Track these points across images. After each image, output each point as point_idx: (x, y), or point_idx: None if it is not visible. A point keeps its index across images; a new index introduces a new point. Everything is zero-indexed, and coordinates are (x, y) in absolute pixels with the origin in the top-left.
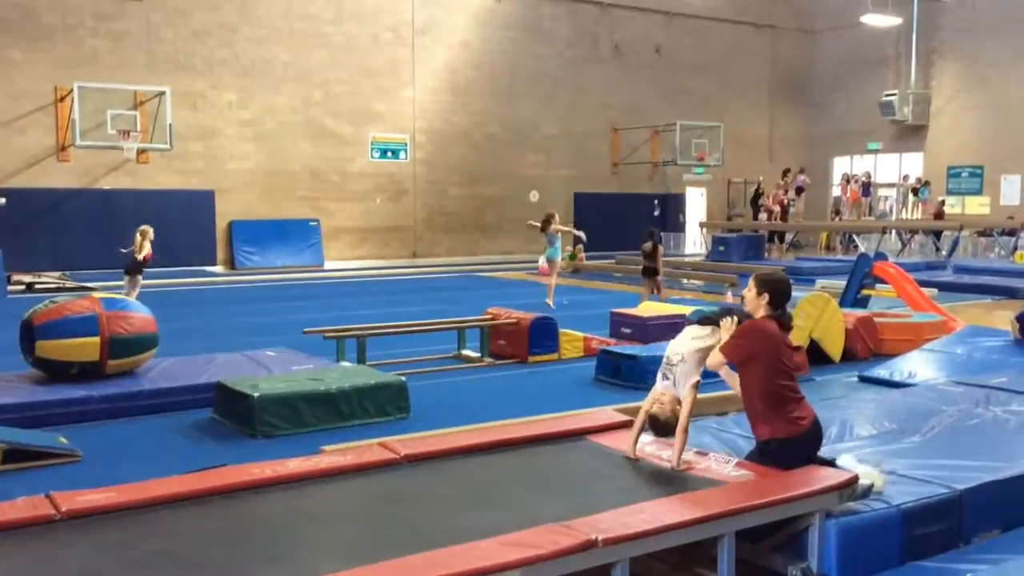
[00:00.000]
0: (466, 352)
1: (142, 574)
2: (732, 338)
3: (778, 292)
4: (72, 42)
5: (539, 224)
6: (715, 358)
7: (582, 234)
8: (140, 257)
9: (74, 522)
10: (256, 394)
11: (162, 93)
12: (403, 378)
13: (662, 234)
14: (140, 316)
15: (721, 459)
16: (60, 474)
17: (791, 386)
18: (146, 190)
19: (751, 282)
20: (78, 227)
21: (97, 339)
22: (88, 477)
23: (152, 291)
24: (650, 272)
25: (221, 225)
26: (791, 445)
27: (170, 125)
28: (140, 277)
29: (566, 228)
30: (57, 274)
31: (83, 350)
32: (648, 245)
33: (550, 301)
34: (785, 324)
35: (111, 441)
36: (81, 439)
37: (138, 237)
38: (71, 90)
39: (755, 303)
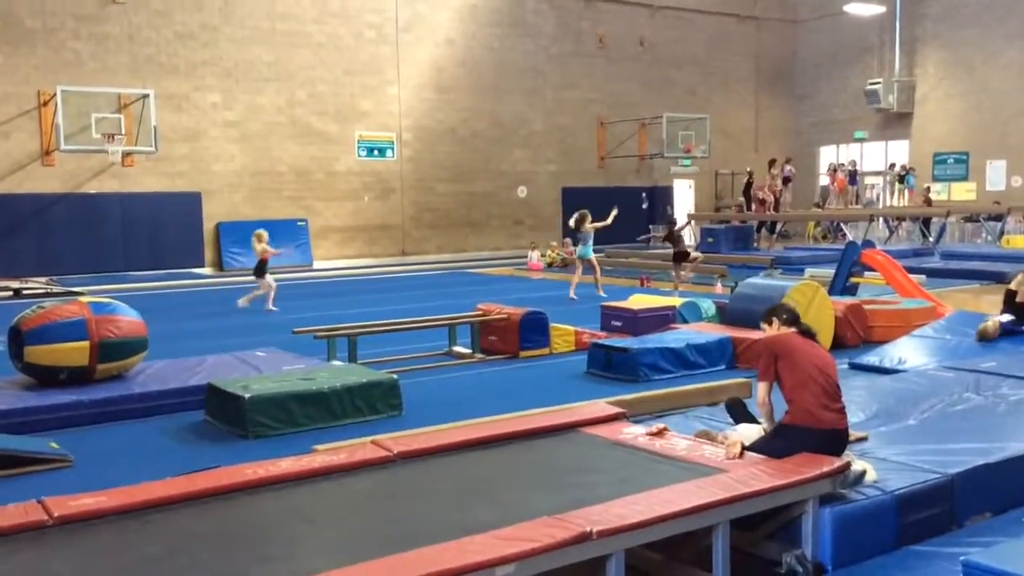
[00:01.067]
0: (457, 348)
1: None
2: (757, 361)
3: (779, 311)
4: (54, 46)
5: (572, 223)
6: (760, 392)
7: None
8: (258, 259)
9: (66, 527)
10: (247, 395)
11: (146, 96)
12: (394, 376)
13: (651, 227)
14: (129, 319)
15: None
16: (52, 479)
17: (824, 387)
18: (132, 193)
19: (762, 324)
20: (64, 232)
21: (86, 343)
22: (80, 482)
23: (140, 294)
24: (682, 257)
25: (208, 227)
26: (803, 435)
27: (155, 127)
28: (266, 278)
29: (600, 224)
30: (44, 279)
31: (72, 355)
32: (675, 233)
33: (600, 291)
34: (807, 332)
35: (102, 445)
36: (72, 444)
37: (253, 240)
38: (54, 94)
39: (773, 332)
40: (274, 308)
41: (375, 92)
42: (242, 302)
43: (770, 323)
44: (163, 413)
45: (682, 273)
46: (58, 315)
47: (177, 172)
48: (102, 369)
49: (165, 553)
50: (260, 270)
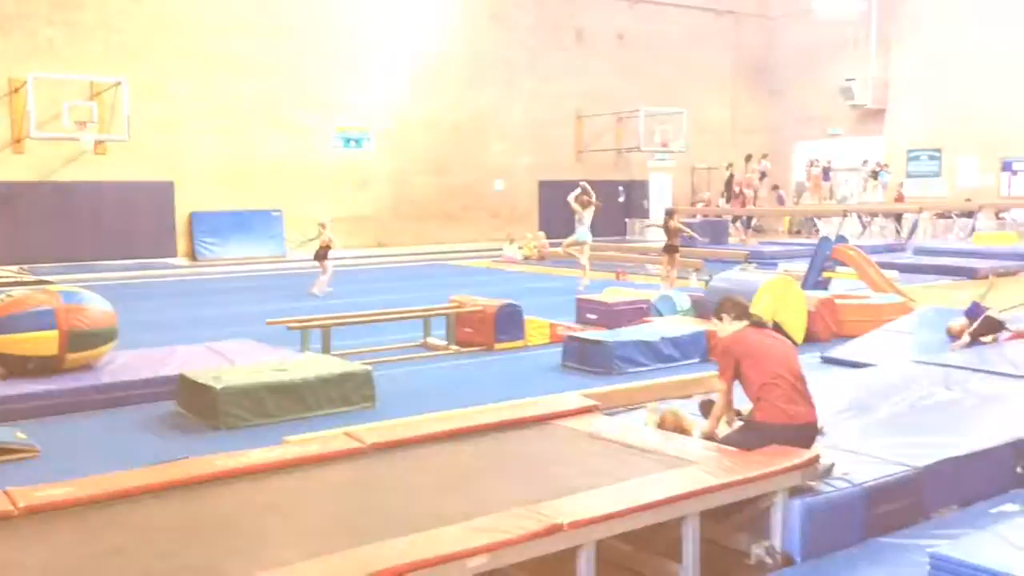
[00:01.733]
0: (432, 340)
1: (103, 569)
2: (717, 362)
3: (728, 305)
4: (27, 32)
5: (572, 200)
6: (722, 390)
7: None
8: (320, 245)
9: (32, 518)
10: (219, 385)
11: (119, 83)
12: (368, 367)
13: (627, 220)
14: (99, 309)
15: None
16: (18, 470)
17: (792, 383)
18: (104, 182)
19: (713, 320)
20: (35, 220)
21: (55, 333)
22: (47, 472)
23: (112, 283)
24: (672, 249)
25: (181, 217)
26: (774, 431)
27: (127, 116)
28: (327, 262)
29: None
30: (15, 268)
31: (40, 344)
32: (672, 224)
33: (583, 285)
34: (759, 322)
35: (70, 436)
36: (39, 434)
37: (320, 229)
38: (26, 81)
39: (726, 328)
40: (329, 290)
41: (354, 83)
42: (316, 290)
43: (721, 319)
44: (133, 404)
45: (669, 267)
46: (27, 304)
47: (150, 161)
48: (71, 359)
49: (133, 544)
50: (323, 255)
